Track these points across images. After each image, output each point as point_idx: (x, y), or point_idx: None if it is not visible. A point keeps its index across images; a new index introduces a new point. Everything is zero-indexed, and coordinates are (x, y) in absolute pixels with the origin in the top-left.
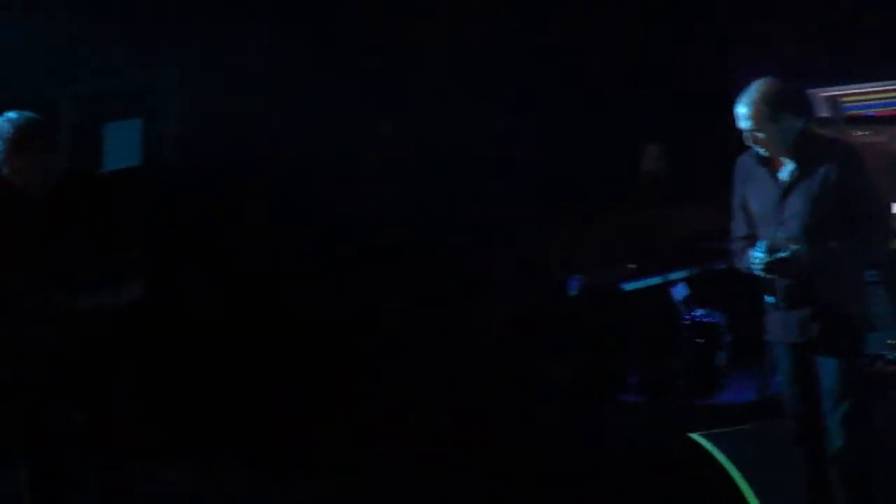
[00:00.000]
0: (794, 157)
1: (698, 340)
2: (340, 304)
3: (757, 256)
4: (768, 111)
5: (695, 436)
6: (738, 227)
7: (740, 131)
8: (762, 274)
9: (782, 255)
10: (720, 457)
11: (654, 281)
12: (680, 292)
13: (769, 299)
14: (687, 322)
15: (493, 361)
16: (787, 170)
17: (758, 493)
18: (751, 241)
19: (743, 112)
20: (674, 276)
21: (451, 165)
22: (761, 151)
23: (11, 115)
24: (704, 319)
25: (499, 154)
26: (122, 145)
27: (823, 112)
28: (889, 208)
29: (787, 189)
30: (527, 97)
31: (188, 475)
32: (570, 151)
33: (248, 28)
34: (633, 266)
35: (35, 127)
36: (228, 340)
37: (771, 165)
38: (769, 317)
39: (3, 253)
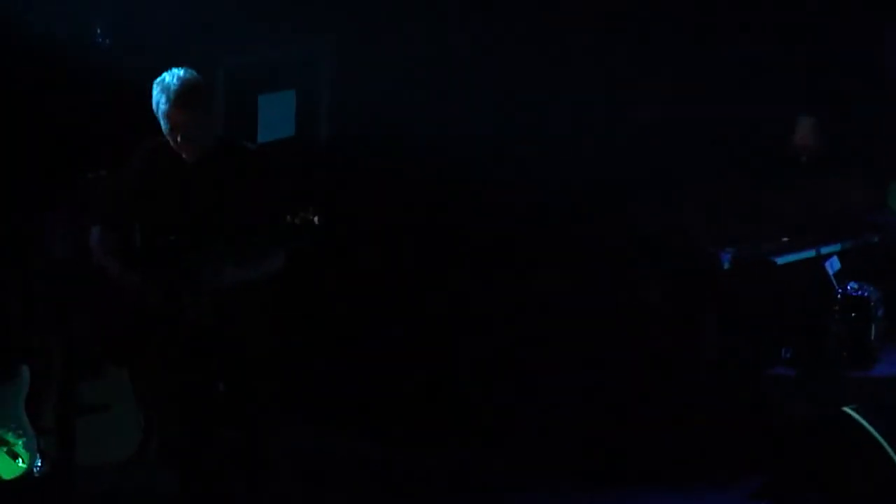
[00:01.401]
0: None
1: (851, 314)
2: (490, 276)
3: None
4: None
5: (848, 409)
6: None
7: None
8: None
9: None
10: (873, 430)
11: (807, 254)
12: (833, 266)
13: None
14: (840, 296)
15: (647, 334)
16: None
17: None
18: None
19: None
20: (826, 249)
21: (604, 139)
22: None
23: (179, 71)
24: (857, 293)
25: (655, 127)
26: (275, 117)
27: None
28: None
29: None
30: (684, 71)
31: (328, 441)
32: (723, 123)
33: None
34: (786, 239)
35: (201, 85)
36: (376, 314)
37: None
38: None
39: (155, 215)
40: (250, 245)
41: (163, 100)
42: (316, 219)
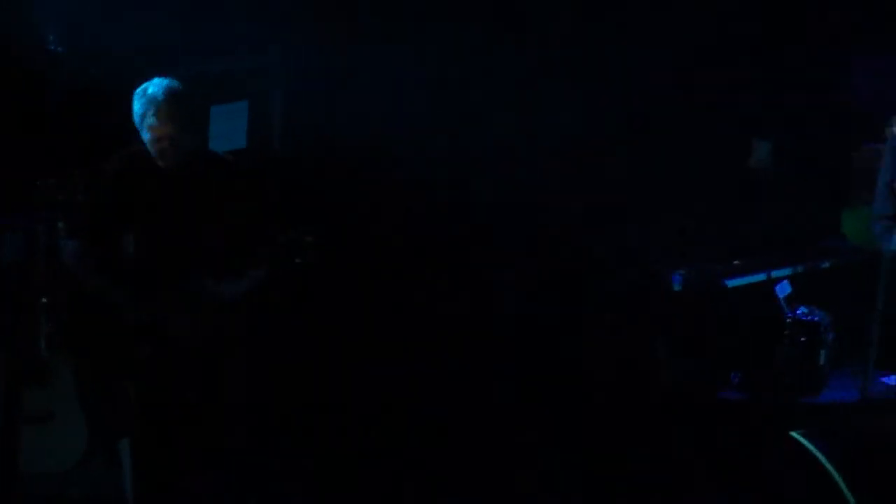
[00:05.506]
0: None
1: (801, 339)
2: (447, 288)
3: None
4: None
5: (796, 434)
6: (883, 205)
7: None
8: None
9: None
10: (820, 456)
11: (758, 278)
12: (783, 290)
13: None
14: (790, 320)
15: (594, 354)
16: None
17: (857, 494)
18: (895, 220)
19: None
20: (777, 273)
21: (559, 155)
22: None
23: (163, 81)
24: (807, 318)
25: (602, 147)
26: (227, 128)
27: None
28: None
29: None
30: (632, 91)
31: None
32: (676, 145)
33: (356, 9)
34: (738, 262)
35: (186, 95)
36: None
37: None
38: None
39: (135, 227)
40: (242, 262)
41: (149, 111)
42: (309, 238)
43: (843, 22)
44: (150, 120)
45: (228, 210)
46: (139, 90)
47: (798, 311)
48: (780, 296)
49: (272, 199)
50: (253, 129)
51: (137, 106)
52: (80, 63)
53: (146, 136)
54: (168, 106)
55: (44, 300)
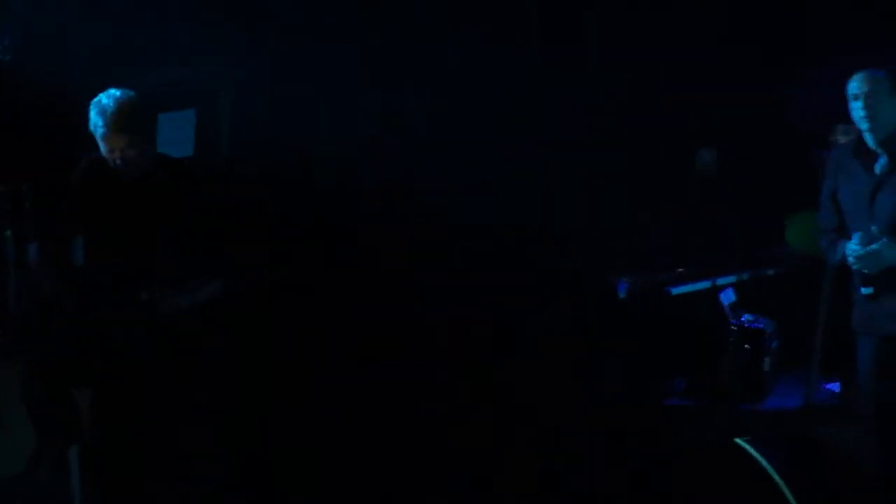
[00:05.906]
0: (887, 151)
1: (745, 346)
2: (379, 299)
3: (852, 248)
4: (889, 85)
5: (740, 441)
6: (827, 218)
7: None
8: (856, 266)
9: (874, 247)
10: (765, 463)
11: (703, 285)
12: (728, 297)
13: (866, 290)
14: (734, 327)
15: (540, 362)
16: (880, 164)
17: (800, 501)
18: (839, 232)
19: (860, 85)
20: (722, 280)
21: (501, 163)
22: (864, 128)
23: (116, 92)
24: (752, 325)
25: (550, 154)
26: (175, 136)
27: None
28: None
29: (879, 183)
30: (580, 97)
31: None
32: (621, 153)
33: (304, 17)
34: (682, 270)
35: (139, 107)
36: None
37: (864, 158)
38: (862, 308)
39: (95, 234)
40: (197, 272)
41: (100, 122)
42: (261, 255)
43: (787, 30)
44: (102, 131)
45: (185, 215)
46: (94, 100)
47: (742, 319)
48: (725, 303)
49: (227, 207)
50: (200, 137)
51: (92, 116)
52: (31, 71)
53: (101, 146)
54: (118, 117)
55: None
